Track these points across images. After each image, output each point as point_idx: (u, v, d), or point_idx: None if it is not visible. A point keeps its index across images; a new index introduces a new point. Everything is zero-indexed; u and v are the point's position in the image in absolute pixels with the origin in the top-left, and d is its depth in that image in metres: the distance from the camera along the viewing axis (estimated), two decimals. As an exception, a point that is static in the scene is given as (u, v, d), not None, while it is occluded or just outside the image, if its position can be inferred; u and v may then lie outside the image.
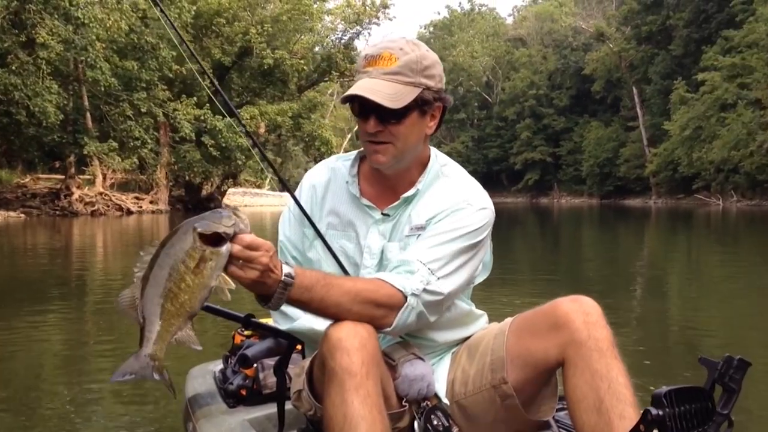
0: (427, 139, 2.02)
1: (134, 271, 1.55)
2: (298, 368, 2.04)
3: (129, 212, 32.05)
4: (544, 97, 68.56)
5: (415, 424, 1.94)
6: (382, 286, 1.82)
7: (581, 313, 1.85)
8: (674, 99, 48.83)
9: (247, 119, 33.07)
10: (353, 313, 1.77)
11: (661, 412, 1.42)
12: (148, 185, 35.06)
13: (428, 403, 1.97)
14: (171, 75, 31.70)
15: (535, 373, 1.93)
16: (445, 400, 2.03)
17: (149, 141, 31.46)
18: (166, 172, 34.29)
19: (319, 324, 1.88)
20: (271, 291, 1.67)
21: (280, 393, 2.30)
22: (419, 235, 1.97)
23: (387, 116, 1.89)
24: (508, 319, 2.05)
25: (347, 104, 1.93)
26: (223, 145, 32.75)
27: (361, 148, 2.08)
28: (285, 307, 1.79)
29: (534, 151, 67.52)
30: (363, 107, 1.90)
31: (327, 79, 40.79)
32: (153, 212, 32.85)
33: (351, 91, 1.86)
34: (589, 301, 1.89)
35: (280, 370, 2.29)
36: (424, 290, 1.85)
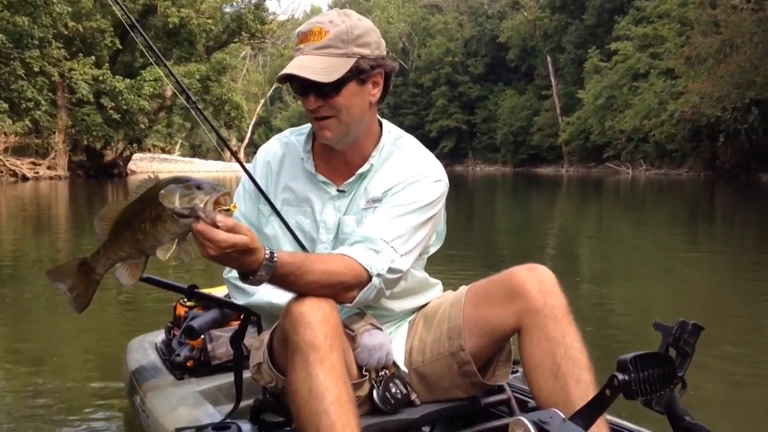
0: (373, 107, 2.02)
1: (132, 191, 1.61)
2: (257, 342, 2.05)
3: (25, 178, 30.62)
4: (460, 64, 68.50)
5: (374, 392, 1.96)
6: (350, 266, 1.82)
7: (537, 281, 1.90)
8: (587, 68, 49.43)
9: (150, 81, 31.48)
10: (320, 293, 1.77)
11: (627, 377, 1.44)
12: (46, 150, 33.08)
13: (387, 371, 2.00)
14: (67, 32, 29.80)
15: (491, 340, 1.99)
16: (404, 368, 2.07)
17: (43, 102, 29.69)
18: (64, 136, 32.37)
19: (278, 298, 1.91)
20: (245, 271, 1.68)
21: (237, 365, 2.31)
22: (376, 207, 1.98)
23: (325, 90, 1.90)
24: (463, 288, 2.10)
25: (285, 83, 1.95)
26: (125, 107, 31.10)
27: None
28: (241, 282, 1.81)
29: (449, 118, 67.50)
30: (301, 85, 1.91)
31: (237, 40, 39.70)
32: (51, 178, 31.53)
33: (284, 71, 1.88)
34: (544, 269, 1.94)
35: (237, 342, 2.30)
36: (389, 269, 1.86)
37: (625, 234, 12.50)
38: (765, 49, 30.16)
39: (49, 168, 32.48)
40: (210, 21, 35.30)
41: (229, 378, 2.51)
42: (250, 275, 1.68)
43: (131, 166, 39.84)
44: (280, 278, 1.72)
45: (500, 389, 2.18)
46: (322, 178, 2.05)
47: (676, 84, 36.72)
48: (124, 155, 37.83)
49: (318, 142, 2.08)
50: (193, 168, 51.00)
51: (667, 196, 24.30)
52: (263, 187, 2.08)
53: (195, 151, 72.90)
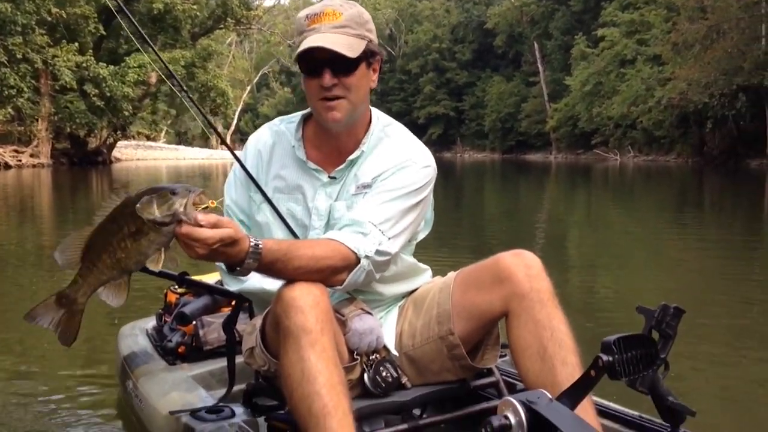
0: (369, 94, 2.06)
1: (97, 213, 1.60)
2: (249, 326, 2.09)
3: (7, 166, 30.29)
4: (447, 50, 68.30)
5: (366, 376, 2.00)
6: (337, 249, 1.85)
7: (523, 266, 1.94)
8: (574, 54, 49.34)
9: (135, 68, 31.25)
10: (309, 278, 1.80)
11: (611, 358, 1.48)
12: (29, 138, 32.79)
13: (377, 355, 2.04)
14: (50, 19, 29.51)
15: (479, 324, 2.03)
16: (394, 352, 2.11)
17: (26, 90, 29.39)
18: (47, 123, 32.08)
19: (270, 284, 1.92)
20: (232, 264, 1.72)
21: (230, 349, 2.38)
22: (366, 193, 2.01)
23: (340, 69, 1.92)
24: (452, 273, 2.13)
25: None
26: (108, 94, 30.86)
27: (304, 111, 2.14)
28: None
29: (437, 105, 67.34)
30: (315, 63, 1.92)
31: (222, 26, 39.40)
32: (34, 166, 31.25)
33: (309, 44, 1.88)
34: (530, 254, 1.98)
35: (229, 327, 2.37)
36: (377, 251, 1.90)
37: (613, 220, 12.55)
38: (752, 34, 30.31)
39: (32, 156, 32.18)
40: (195, 7, 35.04)
41: (221, 363, 2.53)
42: (237, 266, 1.71)
43: (116, 153, 39.54)
44: (267, 266, 1.75)
45: (489, 372, 2.22)
46: (313, 165, 2.07)
47: (663, 70, 36.70)
48: (108, 143, 37.51)
49: (309, 129, 2.11)
50: (178, 155, 50.73)
51: (655, 182, 24.35)
52: (254, 176, 2.10)
53: (180, 138, 72.43)
